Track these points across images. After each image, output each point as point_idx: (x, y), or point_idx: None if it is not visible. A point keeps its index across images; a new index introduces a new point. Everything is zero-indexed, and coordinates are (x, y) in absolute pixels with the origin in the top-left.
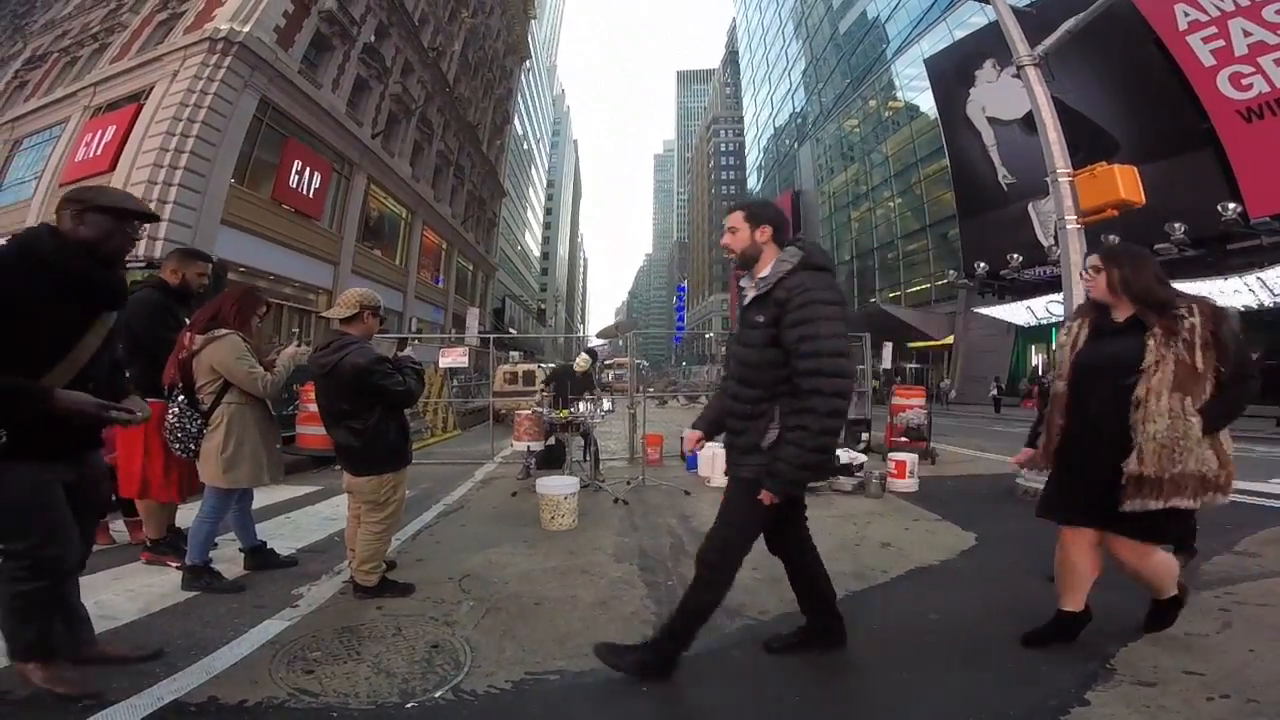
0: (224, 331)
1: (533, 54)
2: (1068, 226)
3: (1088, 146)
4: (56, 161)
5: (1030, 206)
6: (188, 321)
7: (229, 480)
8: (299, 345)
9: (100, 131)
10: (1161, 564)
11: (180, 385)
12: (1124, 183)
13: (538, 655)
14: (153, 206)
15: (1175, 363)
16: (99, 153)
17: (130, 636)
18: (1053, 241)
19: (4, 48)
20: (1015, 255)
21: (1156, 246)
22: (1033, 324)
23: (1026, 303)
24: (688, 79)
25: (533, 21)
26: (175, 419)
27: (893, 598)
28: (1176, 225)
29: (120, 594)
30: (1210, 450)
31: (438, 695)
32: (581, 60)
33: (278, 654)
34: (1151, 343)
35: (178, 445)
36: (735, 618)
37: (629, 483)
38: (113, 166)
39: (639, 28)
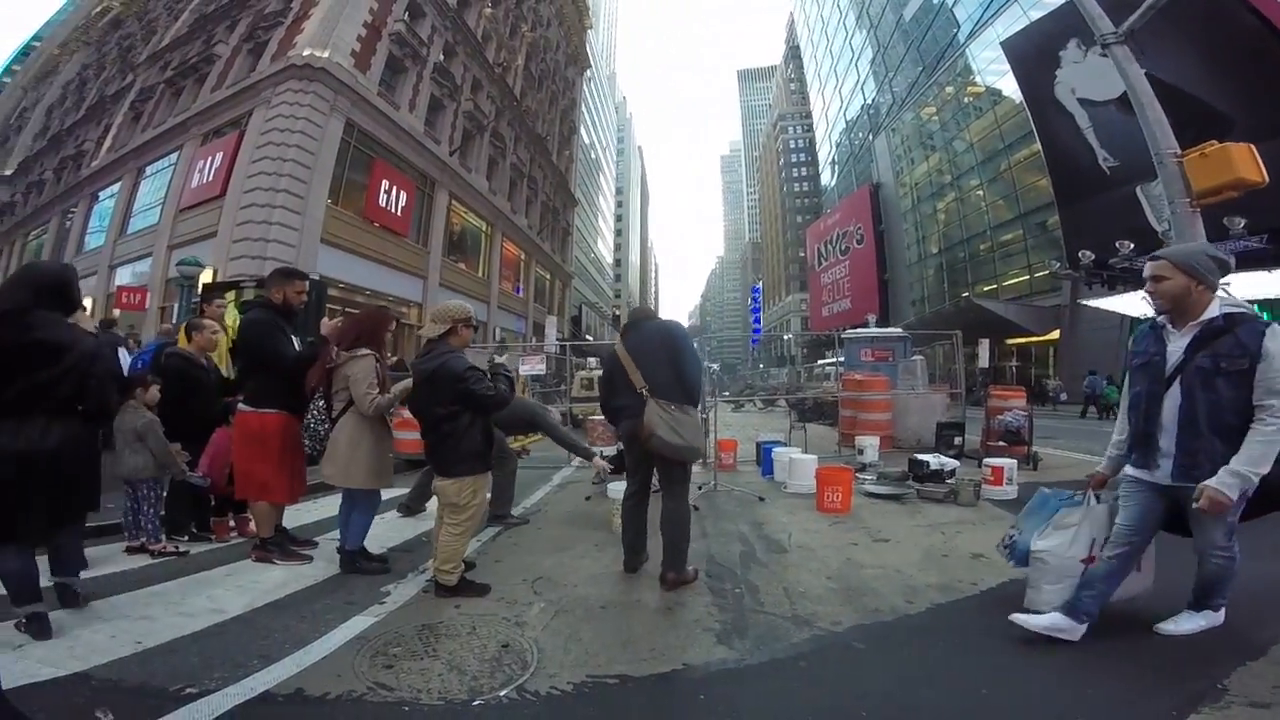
0: (365, 352)
1: (592, 64)
2: (1179, 210)
3: (1198, 125)
4: (178, 187)
5: (1139, 190)
6: (293, 336)
7: (375, 482)
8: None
9: (210, 158)
10: None
11: (322, 391)
12: (1240, 161)
13: (600, 658)
14: (259, 228)
15: None
16: (210, 179)
17: (237, 630)
18: (1166, 226)
19: (117, 82)
20: (1126, 242)
21: None
22: (1149, 315)
23: (1142, 292)
24: (749, 77)
25: (589, 31)
26: (313, 421)
27: (986, 610)
28: None
29: (231, 589)
30: None
31: (502, 694)
32: (640, 68)
33: (362, 649)
34: None
35: (308, 444)
36: (804, 628)
37: (700, 488)
38: (224, 191)
39: (694, 31)
